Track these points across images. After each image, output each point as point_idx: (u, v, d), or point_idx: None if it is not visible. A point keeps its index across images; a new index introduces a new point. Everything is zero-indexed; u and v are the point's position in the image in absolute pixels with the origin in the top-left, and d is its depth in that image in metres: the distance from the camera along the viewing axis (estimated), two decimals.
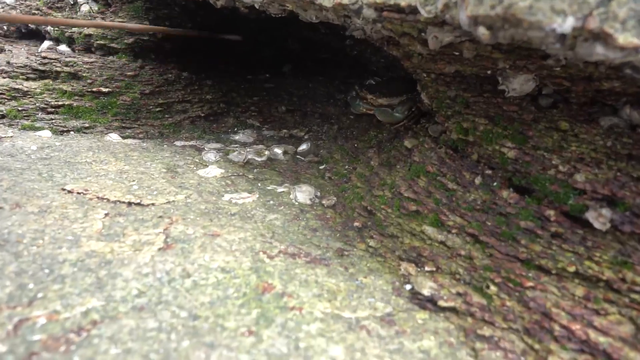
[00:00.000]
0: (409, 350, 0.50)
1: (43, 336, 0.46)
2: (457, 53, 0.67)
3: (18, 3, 1.47)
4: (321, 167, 0.98)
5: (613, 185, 0.57)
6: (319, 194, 0.86)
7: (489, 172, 0.67)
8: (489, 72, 0.68)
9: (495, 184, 0.66)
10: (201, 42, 1.41)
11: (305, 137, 1.18)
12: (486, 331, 0.55)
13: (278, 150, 1.03)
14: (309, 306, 0.55)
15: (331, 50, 1.50)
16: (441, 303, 0.58)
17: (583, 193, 0.59)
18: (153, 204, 0.74)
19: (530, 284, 0.57)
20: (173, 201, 0.76)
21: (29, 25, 1.41)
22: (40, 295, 0.51)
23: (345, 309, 0.55)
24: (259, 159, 0.97)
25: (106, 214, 0.69)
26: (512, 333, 0.54)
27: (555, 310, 0.54)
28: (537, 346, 0.53)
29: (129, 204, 0.73)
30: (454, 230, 0.66)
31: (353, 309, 0.56)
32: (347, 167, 0.92)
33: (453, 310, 0.58)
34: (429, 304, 0.59)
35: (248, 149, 1.02)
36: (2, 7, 1.53)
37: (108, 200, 0.73)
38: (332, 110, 1.29)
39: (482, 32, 0.49)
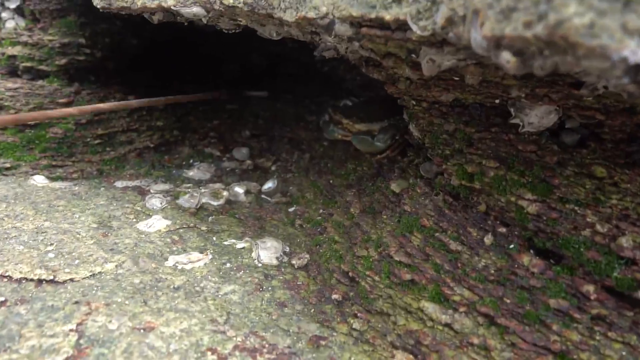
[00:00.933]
0: None
1: None
2: (456, 78, 0.52)
3: None
4: (290, 210, 0.82)
5: None
6: (287, 249, 0.70)
7: (502, 229, 0.52)
8: (497, 101, 0.53)
9: (512, 246, 0.51)
10: (151, 57, 1.24)
11: (273, 168, 1.02)
12: None
13: (239, 190, 0.86)
14: None
15: (300, 66, 1.35)
16: None
17: (632, 263, 0.45)
18: (71, 280, 0.57)
19: None
20: (99, 273, 0.59)
21: None
22: None
23: None
24: (216, 203, 0.81)
25: (2, 302, 0.52)
26: None
27: None
28: None
29: (39, 281, 0.56)
30: (461, 309, 0.51)
31: None
32: (321, 211, 0.77)
33: None
34: None
35: (203, 190, 0.85)
36: None
37: (10, 278, 0.56)
38: (302, 134, 1.14)
39: (506, 59, 0.34)
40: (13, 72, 1.05)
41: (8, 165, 0.91)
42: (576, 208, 0.48)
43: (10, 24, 1.09)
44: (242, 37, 1.13)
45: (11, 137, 0.94)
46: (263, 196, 0.88)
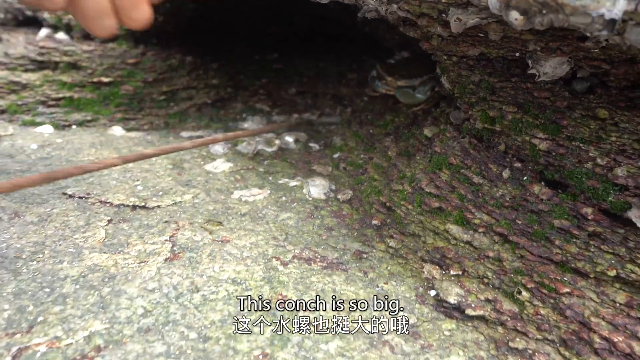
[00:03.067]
0: None
1: None
2: (481, 35, 0.61)
3: None
4: (335, 156, 0.93)
5: None
6: (333, 187, 0.81)
7: (518, 164, 0.62)
8: (517, 54, 0.62)
9: (525, 178, 0.61)
10: (206, 21, 1.35)
11: (318, 120, 1.13)
12: (519, 343, 0.50)
13: (289, 139, 0.98)
14: (326, 321, 0.51)
15: (342, 27, 1.43)
16: (469, 311, 0.54)
17: (625, 189, 0.54)
18: (159, 206, 0.70)
19: (566, 289, 0.53)
20: (180, 202, 0.72)
21: (26, 12, 1.36)
22: (40, 319, 0.48)
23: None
24: (270, 149, 0.93)
25: (109, 221, 0.65)
26: (548, 345, 0.50)
27: (594, 319, 0.50)
28: (574, 356, 0.49)
29: (133, 207, 0.69)
30: (480, 229, 0.61)
31: (374, 322, 0.52)
32: (362, 156, 0.87)
33: (482, 319, 0.54)
34: (455, 312, 0.54)
35: (257, 139, 0.97)
36: None
37: (111, 204, 0.69)
38: (344, 91, 1.23)
39: (514, 16, 0.43)
40: (87, 36, 1.18)
41: (89, 118, 1.05)
42: (581, 145, 0.57)
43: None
44: (287, 2, 1.22)
45: (90, 94, 1.08)
46: (310, 144, 0.99)
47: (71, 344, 0.45)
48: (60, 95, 1.06)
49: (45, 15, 1.27)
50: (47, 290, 0.52)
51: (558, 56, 0.58)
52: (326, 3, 0.75)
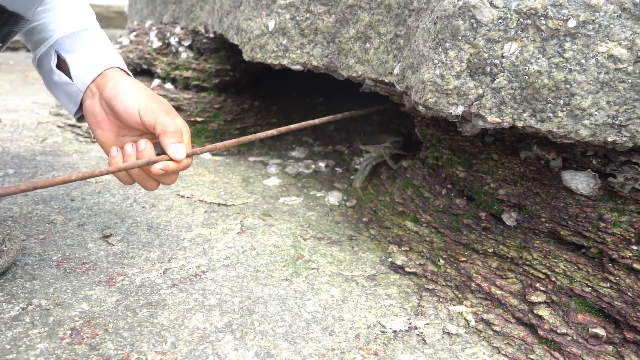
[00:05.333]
0: (379, 294, 0.86)
1: (178, 277, 0.86)
2: None
3: (133, 47, 1.94)
4: (352, 177, 1.34)
5: (521, 198, 0.89)
6: (345, 197, 1.22)
7: (449, 186, 1.00)
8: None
9: (452, 194, 0.99)
10: (268, 75, 1.81)
11: (346, 151, 1.55)
12: (431, 285, 0.89)
13: (321, 164, 1.40)
14: (323, 268, 0.92)
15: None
16: (407, 269, 0.93)
17: (502, 202, 0.91)
18: (233, 205, 1.14)
19: (464, 258, 0.91)
20: (246, 202, 1.16)
21: (143, 65, 1.87)
22: (174, 257, 0.92)
23: (345, 270, 0.92)
24: (307, 171, 1.35)
25: (205, 211, 1.10)
26: (447, 287, 0.88)
27: (475, 275, 0.88)
28: (460, 295, 0.87)
29: (219, 204, 1.14)
30: (424, 225, 1.00)
31: (350, 270, 0.92)
32: (368, 177, 1.28)
33: (414, 274, 0.92)
34: (399, 269, 0.94)
35: (300, 164, 1.40)
36: (120, 48, 2.02)
37: (205, 202, 1.14)
38: (368, 129, 1.64)
39: (421, 109, 0.83)
40: (186, 87, 1.67)
41: None
42: (482, 175, 0.95)
43: (184, 55, 1.71)
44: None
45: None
46: (336, 168, 1.40)
47: (190, 268, 0.89)
48: None
49: (158, 70, 1.77)
50: (175, 244, 0.96)
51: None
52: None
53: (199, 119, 1.56)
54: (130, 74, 0.83)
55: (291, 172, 1.35)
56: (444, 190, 1.01)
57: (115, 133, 0.77)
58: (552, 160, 0.87)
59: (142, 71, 1.87)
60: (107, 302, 0.76)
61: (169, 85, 1.69)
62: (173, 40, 1.71)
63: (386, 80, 0.95)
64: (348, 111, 1.80)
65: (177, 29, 1.74)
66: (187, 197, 1.16)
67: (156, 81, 1.74)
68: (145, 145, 0.71)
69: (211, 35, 1.55)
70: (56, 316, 0.72)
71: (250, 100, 1.68)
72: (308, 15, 1.08)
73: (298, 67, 1.14)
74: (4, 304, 0.73)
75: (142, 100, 0.73)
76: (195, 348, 0.68)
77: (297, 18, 1.10)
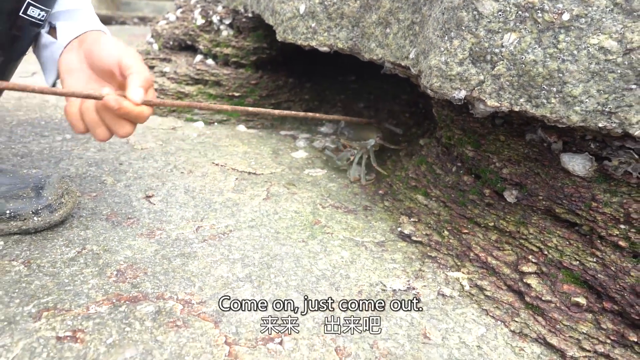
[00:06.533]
0: (385, 258, 0.96)
1: (208, 234, 0.98)
2: None
3: (179, 23, 2.06)
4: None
5: (522, 177, 0.96)
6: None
7: (459, 164, 1.08)
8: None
9: (461, 171, 1.07)
10: (304, 52, 1.89)
11: (399, 131, 1.63)
12: (433, 253, 0.98)
13: None
14: (337, 233, 1.02)
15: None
16: (414, 238, 1.02)
17: (505, 180, 0.98)
18: (262, 174, 1.26)
19: (466, 231, 0.99)
20: (274, 172, 1.27)
21: (187, 41, 1.99)
22: (206, 217, 1.04)
23: (357, 236, 1.02)
24: (332, 146, 1.45)
25: (236, 178, 1.22)
26: (448, 256, 0.97)
27: (475, 245, 0.96)
28: (459, 263, 0.95)
29: (249, 173, 1.25)
30: (433, 199, 1.08)
31: (362, 236, 1.02)
32: (388, 154, 1.36)
33: (420, 242, 1.01)
34: (407, 238, 1.03)
35: (327, 138, 1.49)
36: (167, 24, 2.14)
37: (237, 170, 1.26)
38: (396, 108, 1.71)
39: (429, 92, 0.90)
40: (226, 63, 1.78)
41: (225, 118, 1.64)
42: (489, 155, 1.02)
43: (224, 33, 1.81)
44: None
45: (226, 103, 1.67)
46: None
47: (219, 227, 1.01)
48: (208, 102, 1.67)
49: (201, 46, 1.89)
50: (207, 206, 1.08)
51: None
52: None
53: (236, 94, 1.67)
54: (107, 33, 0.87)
55: (318, 146, 1.45)
56: (454, 168, 1.08)
57: (83, 82, 0.79)
58: (554, 143, 0.93)
59: (186, 47, 1.99)
60: (147, 251, 0.89)
61: (210, 61, 1.80)
62: (215, 19, 1.82)
63: (403, 64, 1.02)
64: (376, 89, 1.87)
65: (219, 8, 1.84)
66: (221, 166, 1.28)
67: (198, 57, 1.86)
68: (108, 90, 0.73)
69: (249, 14, 1.65)
70: (105, 259, 0.85)
71: (285, 77, 1.77)
72: (335, 0, 1.16)
73: (325, 49, 1.22)
74: (63, 247, 0.87)
75: (122, 49, 0.76)
76: (218, 292, 0.80)
77: (326, 3, 1.18)
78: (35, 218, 0.89)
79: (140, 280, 0.80)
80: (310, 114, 1.09)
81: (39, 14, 0.82)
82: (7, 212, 0.87)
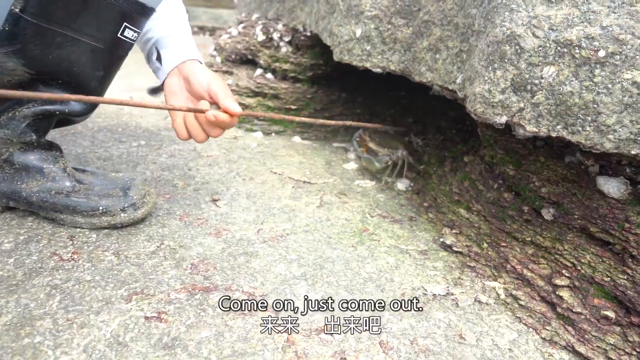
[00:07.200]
0: (427, 266, 1.05)
1: (268, 236, 1.10)
2: None
3: (240, 38, 2.21)
4: (421, 167, 1.51)
5: (560, 196, 1.03)
6: (412, 184, 1.40)
7: (500, 182, 1.15)
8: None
9: (502, 189, 1.14)
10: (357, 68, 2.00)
11: (420, 143, 1.71)
12: (472, 264, 1.06)
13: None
14: (384, 240, 1.12)
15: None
16: (455, 248, 1.10)
17: (543, 199, 1.05)
18: (316, 183, 1.37)
19: (504, 244, 1.06)
20: (326, 182, 1.38)
21: (248, 55, 2.13)
22: (266, 220, 1.16)
23: (402, 244, 1.11)
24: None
25: (292, 187, 1.34)
26: (486, 266, 1.05)
27: (512, 258, 1.03)
28: (496, 274, 1.03)
29: (304, 182, 1.37)
30: (475, 213, 1.16)
31: (406, 245, 1.11)
32: (434, 169, 1.45)
33: (460, 253, 1.10)
34: (448, 248, 1.11)
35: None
36: (230, 38, 2.30)
37: (293, 179, 1.38)
38: (443, 124, 1.79)
39: (473, 116, 0.99)
40: (284, 78, 1.91)
41: (282, 129, 1.77)
42: (529, 174, 1.09)
43: (284, 49, 1.95)
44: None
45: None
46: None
47: (277, 230, 1.13)
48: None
49: (260, 60, 2.03)
50: (267, 211, 1.20)
51: None
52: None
53: (293, 107, 1.80)
54: (203, 63, 1.10)
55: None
56: (495, 185, 1.16)
57: (183, 102, 1.02)
58: (591, 166, 1.00)
59: (247, 60, 2.13)
60: (216, 249, 1.02)
61: (269, 75, 1.94)
62: (275, 36, 1.95)
63: (450, 88, 1.11)
64: (425, 105, 1.95)
65: (280, 26, 1.98)
66: (279, 174, 1.40)
67: (258, 71, 2.00)
68: (205, 104, 0.94)
69: (308, 33, 1.77)
70: (180, 254, 0.98)
71: (339, 91, 1.89)
72: (389, 26, 1.26)
73: (378, 70, 1.32)
74: (145, 242, 1.01)
75: (211, 76, 0.99)
76: (277, 287, 0.91)
77: (380, 28, 1.28)
78: (122, 214, 1.03)
79: (211, 274, 0.93)
80: (343, 122, 1.19)
81: (132, 35, 0.97)
82: (101, 208, 1.01)
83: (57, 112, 0.99)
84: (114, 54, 0.98)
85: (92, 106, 1.04)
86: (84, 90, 0.97)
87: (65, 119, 1.06)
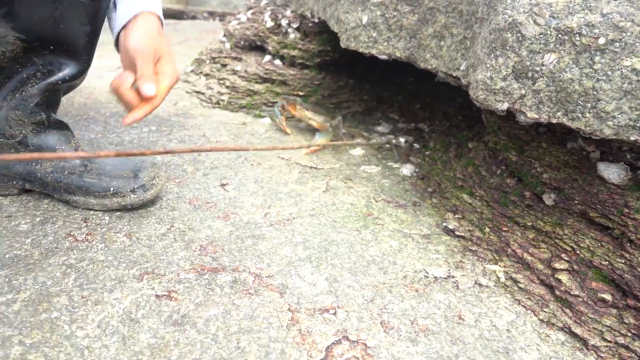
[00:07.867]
0: (429, 249, 1.07)
1: (275, 219, 1.13)
2: None
3: (249, 24, 2.22)
4: (426, 153, 1.53)
5: (561, 182, 1.04)
6: (417, 170, 1.42)
7: (504, 167, 1.17)
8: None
9: (505, 174, 1.16)
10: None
11: (426, 129, 1.73)
12: (474, 247, 1.08)
13: (402, 139, 1.60)
14: (387, 224, 1.14)
15: None
16: (457, 232, 1.13)
17: (545, 184, 1.07)
18: (322, 169, 1.40)
19: (506, 229, 1.08)
20: (333, 168, 1.41)
21: (257, 42, 2.15)
22: (273, 204, 1.19)
23: (405, 228, 1.14)
24: (388, 145, 1.56)
25: (299, 172, 1.36)
26: (487, 250, 1.07)
27: (513, 242, 1.05)
28: (497, 257, 1.05)
29: (310, 167, 1.40)
30: (478, 198, 1.18)
31: (410, 229, 1.14)
32: (439, 154, 1.47)
33: (462, 237, 1.12)
34: (450, 232, 1.14)
35: (383, 138, 1.61)
36: (239, 24, 2.31)
37: (300, 164, 1.41)
38: (450, 110, 1.80)
39: (475, 102, 1.00)
40: (292, 64, 1.92)
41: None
42: (532, 160, 1.10)
43: (292, 36, 1.96)
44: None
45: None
46: (414, 144, 1.60)
47: (284, 214, 1.16)
48: (274, 100, 1.82)
49: (269, 46, 2.04)
50: (274, 195, 1.23)
51: None
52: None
53: (301, 93, 1.82)
54: (159, 16, 0.99)
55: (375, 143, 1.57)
56: (498, 171, 1.18)
57: (125, 64, 0.96)
58: (592, 152, 1.01)
59: (255, 47, 2.15)
60: (224, 231, 1.05)
61: (277, 62, 1.96)
62: (284, 22, 1.97)
63: (454, 75, 1.13)
64: (432, 91, 1.96)
65: (288, 12, 1.99)
66: (286, 159, 1.43)
67: (267, 57, 2.02)
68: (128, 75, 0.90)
69: (316, 20, 1.79)
70: (190, 236, 1.02)
71: (346, 78, 1.90)
72: (395, 13, 1.28)
73: (384, 57, 1.34)
74: (155, 224, 1.05)
75: (140, 43, 0.90)
76: (283, 268, 0.94)
77: (386, 15, 1.30)
78: (132, 195, 1.06)
79: (219, 255, 0.96)
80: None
81: None
82: (111, 189, 1.05)
83: (59, 82, 1.01)
84: (95, 5, 0.97)
85: (87, 64, 1.06)
86: (76, 51, 1.00)
87: (68, 87, 1.08)
